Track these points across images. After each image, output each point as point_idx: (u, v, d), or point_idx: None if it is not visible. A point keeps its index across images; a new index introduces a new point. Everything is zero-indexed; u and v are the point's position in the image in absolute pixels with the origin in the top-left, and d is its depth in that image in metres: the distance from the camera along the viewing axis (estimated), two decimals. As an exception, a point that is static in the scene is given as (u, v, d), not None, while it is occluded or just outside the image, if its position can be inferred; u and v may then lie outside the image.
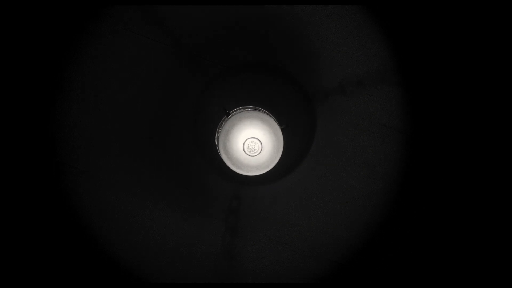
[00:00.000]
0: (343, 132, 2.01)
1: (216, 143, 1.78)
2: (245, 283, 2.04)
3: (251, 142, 1.67)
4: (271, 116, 1.73)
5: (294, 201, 2.04)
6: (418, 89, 1.99)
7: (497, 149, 2.00)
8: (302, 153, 2.03)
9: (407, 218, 2.03)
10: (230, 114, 1.76)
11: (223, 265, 2.04)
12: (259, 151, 1.67)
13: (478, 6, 1.96)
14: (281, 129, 1.73)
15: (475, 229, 2.04)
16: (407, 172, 2.02)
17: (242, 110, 1.75)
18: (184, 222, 2.04)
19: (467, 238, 2.04)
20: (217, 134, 1.78)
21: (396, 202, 2.03)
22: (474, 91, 1.98)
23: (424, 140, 2.01)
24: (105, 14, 1.95)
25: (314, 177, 2.03)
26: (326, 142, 2.02)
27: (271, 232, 2.05)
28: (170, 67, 1.98)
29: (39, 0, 1.93)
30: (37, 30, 1.94)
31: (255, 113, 1.70)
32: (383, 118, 2.00)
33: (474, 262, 2.04)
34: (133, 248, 2.04)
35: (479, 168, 2.01)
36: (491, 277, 2.03)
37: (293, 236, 2.04)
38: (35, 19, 1.94)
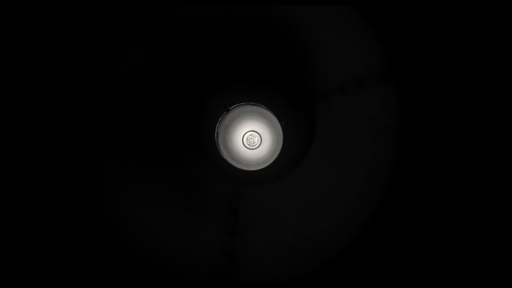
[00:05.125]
0: (343, 132, 2.01)
1: (216, 140, 1.77)
2: (245, 283, 2.02)
3: (251, 135, 1.67)
4: (270, 112, 1.74)
5: (294, 201, 2.03)
6: (418, 89, 2.00)
7: (502, 150, 1.99)
8: (301, 153, 2.03)
9: (407, 217, 2.01)
10: (229, 110, 1.77)
11: (223, 265, 2.02)
12: (258, 144, 1.66)
13: (473, 8, 1.98)
14: (281, 125, 1.73)
15: (473, 231, 2.02)
16: (407, 171, 2.01)
17: (241, 106, 1.76)
18: (184, 222, 2.02)
19: (464, 240, 2.02)
20: (217, 130, 1.78)
21: (396, 202, 2.01)
22: (472, 91, 1.99)
23: (424, 139, 2.00)
24: (109, 17, 1.98)
25: (313, 177, 2.02)
26: (326, 141, 2.01)
27: (271, 232, 2.03)
28: (171, 67, 2.00)
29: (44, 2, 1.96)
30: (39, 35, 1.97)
31: (255, 108, 1.70)
32: (382, 118, 2.00)
33: (471, 263, 2.02)
34: (132, 248, 2.02)
35: (481, 169, 2.00)
36: (482, 272, 2.01)
37: (293, 236, 2.02)
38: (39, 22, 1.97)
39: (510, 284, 1.98)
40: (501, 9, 1.97)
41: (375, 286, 2.02)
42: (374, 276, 2.03)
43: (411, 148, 2.01)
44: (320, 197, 2.02)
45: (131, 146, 2.00)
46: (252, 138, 1.67)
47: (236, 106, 1.78)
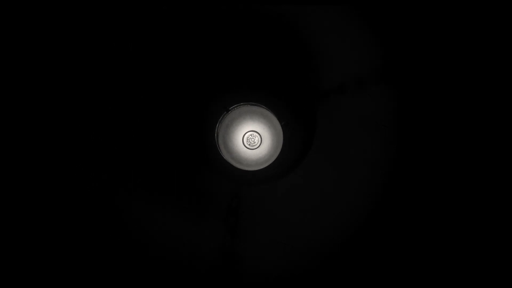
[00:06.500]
0: (343, 132, 2.01)
1: (216, 139, 1.78)
2: (245, 282, 2.02)
3: (251, 135, 1.67)
4: (270, 112, 1.74)
5: (294, 201, 2.03)
6: (418, 89, 2.00)
7: (501, 150, 2.00)
8: (302, 153, 2.03)
9: (406, 216, 2.02)
10: (229, 110, 1.77)
11: (223, 264, 2.02)
12: (258, 144, 1.67)
13: (474, 9, 1.98)
14: (281, 125, 1.73)
15: (473, 231, 2.02)
16: (407, 171, 2.01)
17: (242, 106, 1.76)
18: (184, 222, 2.02)
19: (462, 239, 2.02)
20: (217, 130, 1.78)
21: (396, 201, 2.01)
22: (472, 91, 1.99)
23: (423, 139, 2.00)
24: (113, 20, 1.98)
25: (314, 176, 2.02)
26: (326, 142, 2.01)
27: (271, 232, 2.03)
28: (171, 68, 2.00)
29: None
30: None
31: (255, 108, 1.71)
32: (382, 117, 2.00)
33: (470, 262, 2.03)
34: (132, 248, 2.02)
35: (480, 170, 2.00)
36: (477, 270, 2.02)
37: (293, 236, 2.02)
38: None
39: (509, 283, 1.99)
40: (501, 9, 1.97)
41: (375, 284, 2.02)
42: (374, 274, 2.03)
43: (411, 147, 2.01)
44: (319, 196, 2.02)
45: (132, 148, 2.00)
46: (252, 138, 1.67)
47: (236, 106, 1.78)
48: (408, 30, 2.00)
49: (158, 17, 1.97)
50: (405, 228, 2.02)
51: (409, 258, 2.04)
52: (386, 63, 2.00)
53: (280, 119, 1.77)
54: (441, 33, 1.99)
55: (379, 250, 2.02)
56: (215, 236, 2.02)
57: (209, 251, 2.02)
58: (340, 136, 2.01)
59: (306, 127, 2.00)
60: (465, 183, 2.01)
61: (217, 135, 1.74)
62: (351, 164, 2.01)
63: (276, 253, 2.03)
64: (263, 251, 2.02)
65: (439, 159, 2.01)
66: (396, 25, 2.00)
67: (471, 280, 2.03)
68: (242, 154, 1.67)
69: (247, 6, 1.97)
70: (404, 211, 2.01)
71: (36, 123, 1.98)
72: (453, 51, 1.99)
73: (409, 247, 2.03)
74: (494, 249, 2.02)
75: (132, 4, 1.96)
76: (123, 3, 1.96)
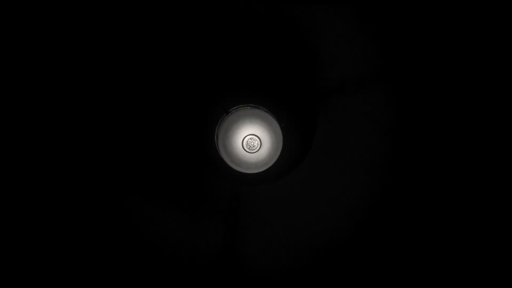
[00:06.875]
0: (343, 132, 2.01)
1: (216, 142, 1.78)
2: (245, 282, 2.03)
3: (250, 139, 1.67)
4: (270, 114, 1.74)
5: (294, 201, 2.04)
6: (418, 89, 2.00)
7: (502, 150, 2.00)
8: (301, 153, 2.03)
9: (407, 216, 2.02)
10: (229, 112, 1.77)
11: (223, 265, 2.03)
12: (258, 148, 1.67)
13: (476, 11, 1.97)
14: (281, 127, 1.73)
15: (474, 232, 2.03)
16: (407, 171, 2.01)
17: (241, 108, 1.76)
18: (184, 223, 2.03)
19: (463, 240, 2.03)
20: (217, 132, 1.78)
21: (396, 202, 2.02)
22: (471, 91, 1.99)
23: (423, 139, 2.00)
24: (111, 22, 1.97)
25: (313, 177, 2.03)
26: (326, 142, 2.02)
27: (270, 232, 2.04)
28: (171, 69, 1.99)
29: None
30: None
31: (255, 111, 1.71)
32: (382, 118, 2.00)
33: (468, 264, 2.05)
34: (132, 248, 2.04)
35: (482, 171, 2.01)
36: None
37: (292, 236, 2.03)
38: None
39: (509, 284, 2.01)
40: (501, 9, 1.96)
41: (374, 284, 2.04)
42: (373, 274, 2.04)
43: (410, 148, 2.01)
44: (319, 196, 2.03)
45: (132, 148, 2.00)
46: (252, 142, 1.67)
47: (236, 109, 1.78)
48: (408, 30, 1.99)
49: (158, 17, 1.96)
50: (405, 228, 2.03)
51: (409, 258, 2.05)
52: (386, 63, 1.99)
53: (279, 121, 1.77)
54: (441, 33, 1.98)
55: (379, 250, 2.04)
56: (215, 236, 2.03)
57: (209, 251, 2.03)
58: (340, 137, 2.01)
59: (306, 128, 2.00)
60: (465, 183, 2.01)
61: (217, 137, 1.74)
62: (351, 164, 2.01)
63: (276, 253, 2.04)
64: (263, 251, 2.04)
65: (438, 159, 2.01)
66: (396, 25, 1.99)
67: (471, 280, 2.04)
68: (241, 157, 1.67)
69: (247, 6, 1.96)
70: (403, 211, 2.02)
71: (37, 123, 1.98)
72: (453, 51, 1.98)
73: (410, 247, 2.04)
74: (494, 249, 2.03)
75: (132, 4, 1.95)
76: (123, 3, 1.95)
